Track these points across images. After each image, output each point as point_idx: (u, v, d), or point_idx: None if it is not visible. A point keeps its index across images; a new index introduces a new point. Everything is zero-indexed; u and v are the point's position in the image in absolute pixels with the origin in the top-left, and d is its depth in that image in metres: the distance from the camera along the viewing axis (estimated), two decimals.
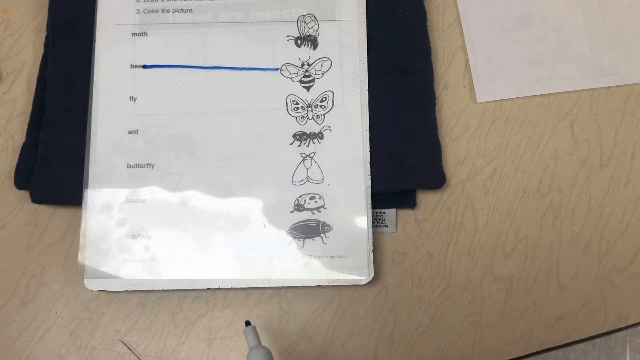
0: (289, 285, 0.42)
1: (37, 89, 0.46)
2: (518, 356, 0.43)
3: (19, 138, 0.45)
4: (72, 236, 0.44)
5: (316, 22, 0.46)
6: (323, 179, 0.44)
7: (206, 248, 0.43)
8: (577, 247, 0.44)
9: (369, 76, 0.45)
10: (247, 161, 0.44)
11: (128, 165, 0.44)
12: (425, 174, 0.44)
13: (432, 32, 0.47)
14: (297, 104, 0.45)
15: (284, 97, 0.45)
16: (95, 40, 0.45)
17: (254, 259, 0.43)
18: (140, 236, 0.43)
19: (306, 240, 0.43)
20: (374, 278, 0.42)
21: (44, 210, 0.44)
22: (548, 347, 0.43)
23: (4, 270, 0.43)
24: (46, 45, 0.46)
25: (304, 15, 0.46)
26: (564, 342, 0.43)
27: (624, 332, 0.44)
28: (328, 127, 0.44)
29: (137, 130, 0.44)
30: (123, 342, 0.43)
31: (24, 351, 0.42)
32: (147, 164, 0.44)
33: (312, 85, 0.45)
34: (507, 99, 0.47)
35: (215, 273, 0.42)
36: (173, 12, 0.46)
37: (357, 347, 0.43)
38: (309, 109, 0.45)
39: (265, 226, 0.43)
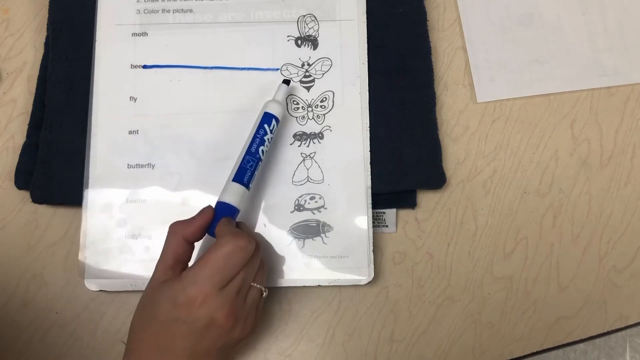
0: (288, 285, 0.42)
1: (37, 89, 0.46)
2: (518, 356, 0.43)
3: (19, 138, 0.45)
4: (72, 236, 0.44)
5: (316, 22, 0.46)
6: (323, 179, 0.43)
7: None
8: (577, 247, 0.44)
9: (369, 76, 0.45)
10: None
11: (128, 165, 0.44)
12: (425, 174, 0.44)
13: (432, 32, 0.47)
14: (298, 104, 0.45)
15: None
16: (95, 40, 0.45)
17: None
18: (140, 236, 0.43)
19: (306, 241, 0.43)
20: (374, 278, 0.43)
21: (44, 210, 0.44)
22: (548, 347, 0.43)
23: (4, 270, 0.43)
24: (46, 45, 0.46)
25: (304, 16, 0.46)
26: (564, 342, 0.43)
27: (624, 332, 0.44)
28: (328, 127, 0.44)
29: (137, 131, 0.44)
30: (124, 343, 0.43)
31: (24, 351, 0.42)
32: (148, 164, 0.44)
33: (312, 86, 0.45)
34: (507, 99, 0.47)
35: None
36: (173, 12, 0.46)
37: (357, 347, 0.43)
38: (309, 109, 0.45)
39: (265, 226, 0.43)
